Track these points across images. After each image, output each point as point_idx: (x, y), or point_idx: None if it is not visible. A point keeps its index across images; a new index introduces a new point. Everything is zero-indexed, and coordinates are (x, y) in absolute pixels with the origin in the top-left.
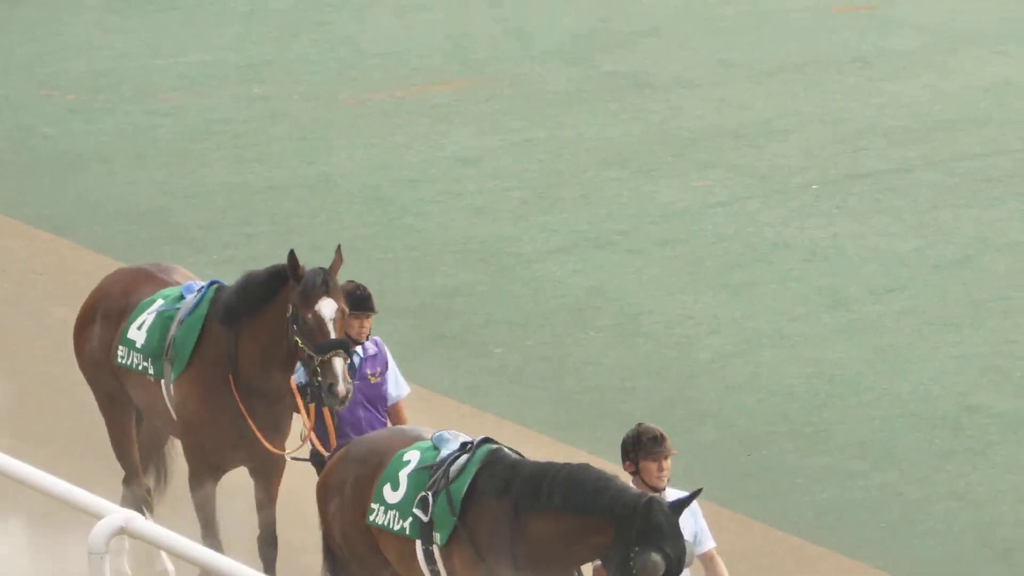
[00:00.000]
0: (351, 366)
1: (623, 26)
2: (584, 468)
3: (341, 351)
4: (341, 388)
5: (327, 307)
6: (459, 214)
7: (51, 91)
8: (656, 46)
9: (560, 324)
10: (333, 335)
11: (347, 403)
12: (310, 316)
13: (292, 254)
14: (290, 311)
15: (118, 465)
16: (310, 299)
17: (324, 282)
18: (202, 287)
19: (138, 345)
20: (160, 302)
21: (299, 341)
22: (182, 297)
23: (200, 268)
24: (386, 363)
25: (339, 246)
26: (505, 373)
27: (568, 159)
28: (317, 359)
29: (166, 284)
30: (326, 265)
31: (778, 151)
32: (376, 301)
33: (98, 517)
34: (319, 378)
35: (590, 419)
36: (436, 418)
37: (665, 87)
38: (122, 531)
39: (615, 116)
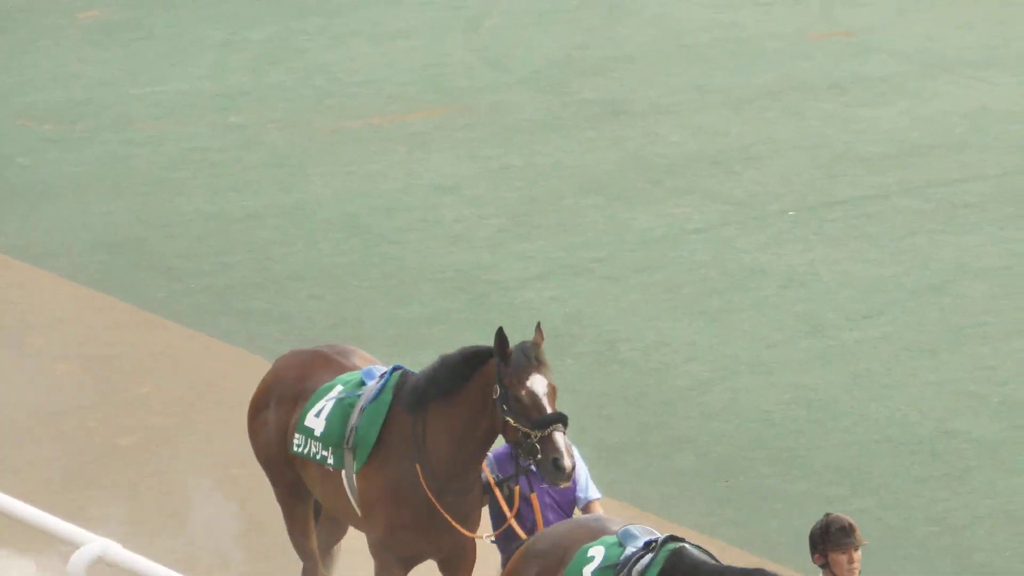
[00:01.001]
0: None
1: (599, 53)
2: (759, 572)
3: (560, 425)
4: (567, 462)
5: (539, 383)
6: (436, 242)
7: (27, 120)
8: (632, 73)
9: None
10: (549, 410)
11: (571, 478)
12: (523, 393)
13: (501, 333)
14: (497, 392)
15: (99, 494)
16: (522, 376)
17: (535, 357)
18: (384, 372)
19: (317, 433)
20: (339, 388)
21: (511, 421)
22: (363, 383)
23: (177, 297)
24: (575, 466)
25: (539, 324)
26: None
27: (545, 186)
28: (536, 435)
29: (344, 368)
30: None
31: (755, 177)
32: (353, 329)
33: (76, 546)
34: (539, 455)
35: None
36: None
37: (642, 114)
38: (100, 560)
39: (592, 143)
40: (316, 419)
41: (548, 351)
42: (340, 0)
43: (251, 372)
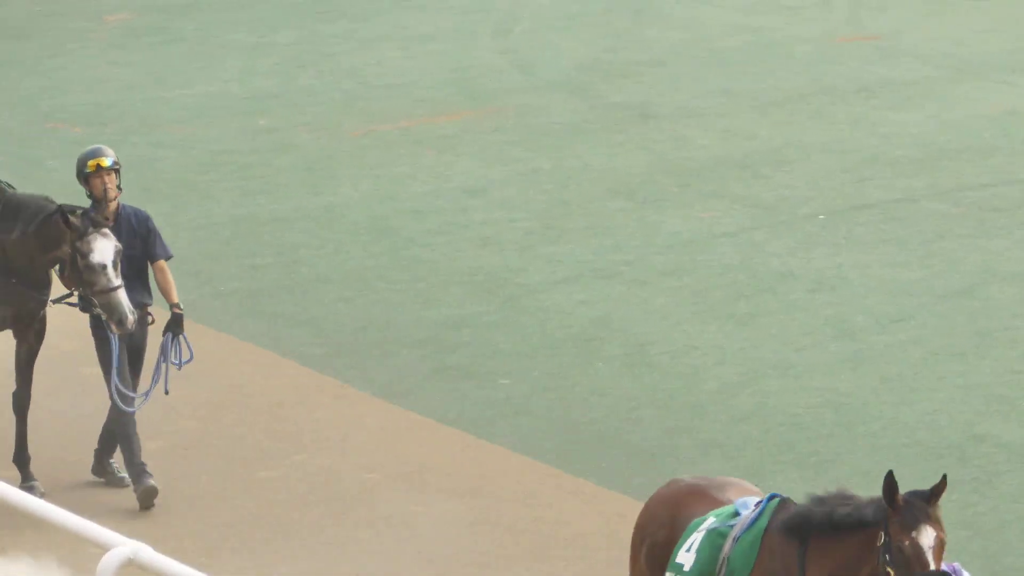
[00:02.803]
0: None
1: (627, 56)
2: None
3: None
4: None
5: (927, 536)
6: (465, 245)
7: (56, 124)
8: (661, 77)
9: (566, 355)
10: (932, 566)
11: None
12: (907, 544)
13: (891, 478)
14: (882, 539)
15: (127, 498)
16: (911, 527)
17: (926, 514)
18: (760, 501)
19: (686, 569)
20: (711, 520)
21: (892, 572)
22: (736, 514)
23: (206, 300)
24: None
25: (944, 476)
26: (511, 404)
27: (574, 190)
28: None
29: (719, 503)
30: None
31: (784, 181)
32: (381, 333)
33: (106, 549)
34: None
35: (596, 450)
36: (441, 449)
37: (670, 117)
38: (130, 562)
39: (620, 146)
40: (687, 554)
41: (577, 355)
42: (368, 4)
43: (279, 375)
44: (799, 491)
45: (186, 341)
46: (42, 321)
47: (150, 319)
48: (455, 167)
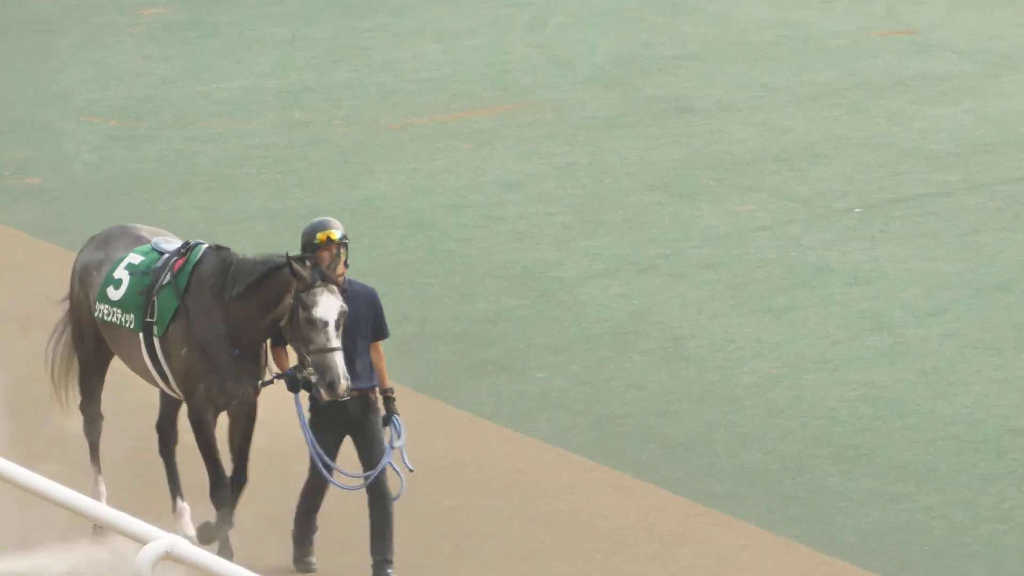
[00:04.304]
0: None
1: (664, 51)
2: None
3: None
4: None
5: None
6: (501, 239)
7: (92, 118)
8: (697, 70)
9: (603, 348)
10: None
11: None
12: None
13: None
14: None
15: (165, 490)
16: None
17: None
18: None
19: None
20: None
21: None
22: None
23: None
24: None
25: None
26: (548, 398)
27: (610, 183)
28: None
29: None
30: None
31: (820, 175)
32: (418, 327)
33: (143, 542)
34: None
35: (634, 443)
36: (478, 443)
37: (706, 111)
38: (167, 556)
39: (657, 140)
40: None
41: (614, 348)
42: None
43: None
44: (837, 485)
45: (398, 423)
46: (254, 406)
47: (377, 400)
48: (491, 161)
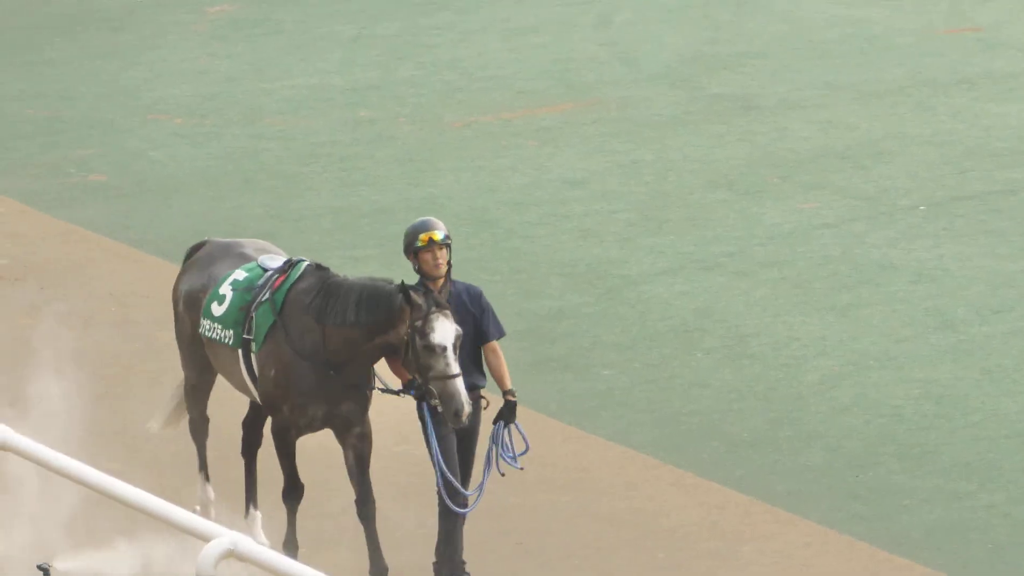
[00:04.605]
0: None
1: (729, 49)
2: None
3: None
4: None
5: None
6: (566, 236)
7: (158, 115)
8: (762, 68)
9: (667, 346)
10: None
11: None
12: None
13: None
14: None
15: (213, 480)
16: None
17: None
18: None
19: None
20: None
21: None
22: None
23: None
24: None
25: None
26: (612, 395)
27: (674, 181)
28: None
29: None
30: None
31: (884, 172)
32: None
33: (206, 540)
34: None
35: (697, 441)
36: (542, 441)
37: (771, 109)
38: (231, 554)
39: (721, 138)
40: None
41: (678, 346)
42: None
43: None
44: (900, 483)
45: (520, 430)
46: (366, 424)
47: (484, 403)
48: (556, 159)
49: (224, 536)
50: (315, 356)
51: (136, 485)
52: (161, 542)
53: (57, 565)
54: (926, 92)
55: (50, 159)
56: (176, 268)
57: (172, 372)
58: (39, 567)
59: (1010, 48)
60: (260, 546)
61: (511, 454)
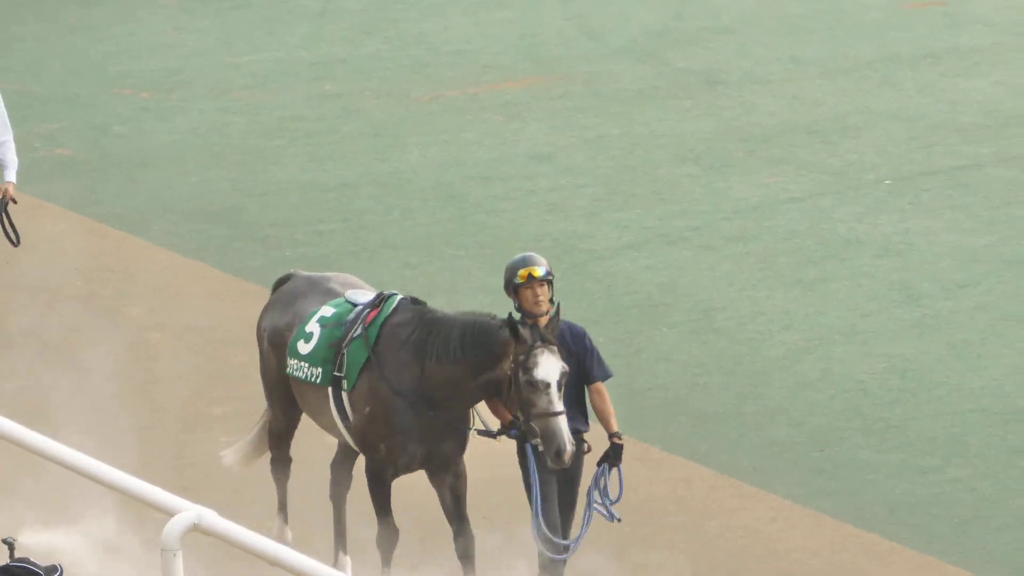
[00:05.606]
0: None
1: (695, 23)
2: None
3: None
4: None
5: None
6: (532, 211)
7: (124, 89)
8: (729, 43)
9: (632, 321)
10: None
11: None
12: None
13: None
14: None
15: (192, 463)
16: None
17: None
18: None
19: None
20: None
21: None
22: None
23: (273, 266)
24: None
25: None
26: None
27: (641, 156)
28: None
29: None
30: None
31: (851, 147)
32: (448, 298)
33: (170, 514)
34: None
35: (663, 416)
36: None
37: (737, 84)
38: (195, 527)
39: (688, 113)
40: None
41: (643, 321)
42: None
43: None
44: (865, 458)
45: (620, 475)
46: (461, 463)
47: (586, 447)
48: (522, 133)
49: (189, 510)
50: (413, 393)
51: (100, 459)
52: (126, 516)
53: (22, 540)
54: (892, 67)
55: (16, 133)
56: (142, 242)
57: (138, 347)
58: (3, 541)
59: (976, 23)
60: (226, 520)
61: (608, 502)
